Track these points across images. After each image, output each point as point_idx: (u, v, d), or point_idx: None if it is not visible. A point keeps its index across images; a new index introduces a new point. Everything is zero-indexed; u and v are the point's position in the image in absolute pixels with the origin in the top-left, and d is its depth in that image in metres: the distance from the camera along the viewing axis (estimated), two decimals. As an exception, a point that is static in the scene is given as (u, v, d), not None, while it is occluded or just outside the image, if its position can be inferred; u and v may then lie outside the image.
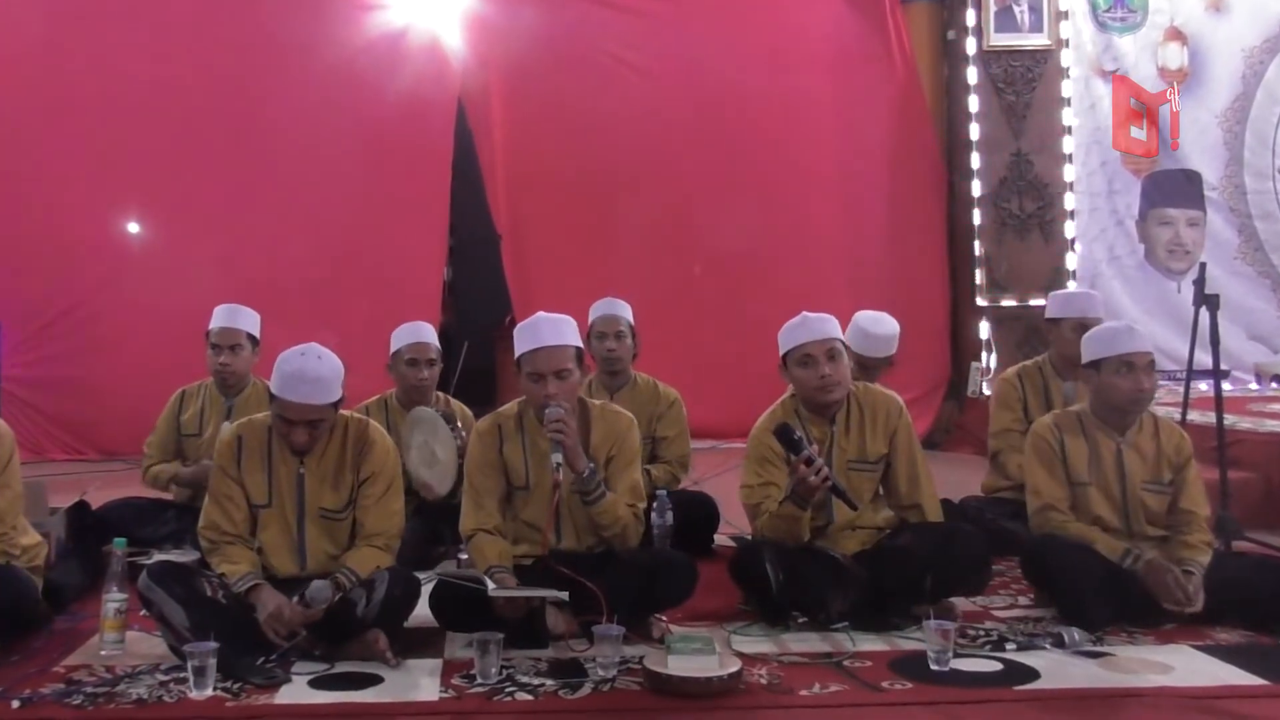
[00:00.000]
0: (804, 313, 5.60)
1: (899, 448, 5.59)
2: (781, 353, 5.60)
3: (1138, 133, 12.21)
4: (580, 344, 5.30)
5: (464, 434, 6.69)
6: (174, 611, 4.77)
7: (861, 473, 5.57)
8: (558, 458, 5.06)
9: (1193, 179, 12.43)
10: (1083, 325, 6.85)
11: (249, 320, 7.21)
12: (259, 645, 4.79)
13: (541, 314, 5.34)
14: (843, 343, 5.55)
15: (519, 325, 5.33)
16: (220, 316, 7.19)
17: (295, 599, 4.85)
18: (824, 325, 5.52)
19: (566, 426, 5.05)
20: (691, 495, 7.17)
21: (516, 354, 5.25)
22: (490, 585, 4.85)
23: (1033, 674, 4.66)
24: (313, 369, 5.01)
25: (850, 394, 5.62)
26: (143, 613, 4.98)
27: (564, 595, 4.88)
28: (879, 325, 7.00)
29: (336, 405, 5.15)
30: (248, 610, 4.90)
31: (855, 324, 6.98)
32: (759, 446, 5.57)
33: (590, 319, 7.23)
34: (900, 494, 5.62)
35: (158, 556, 6.38)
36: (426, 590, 5.20)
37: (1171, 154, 12.35)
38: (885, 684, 4.53)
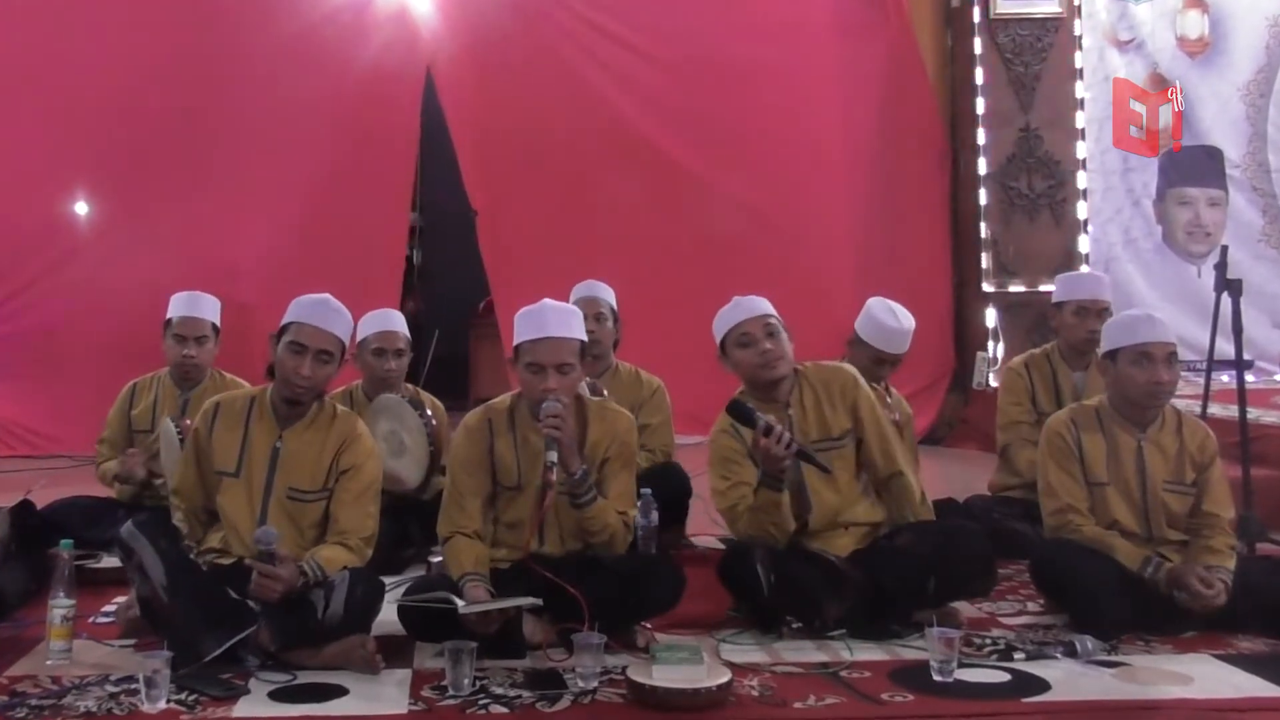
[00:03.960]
0: (735, 297, 5.73)
1: (864, 419, 5.61)
2: (719, 339, 5.68)
3: (1137, 132, 12.20)
4: (585, 338, 5.31)
5: (433, 421, 6.70)
6: (153, 563, 4.83)
7: (829, 452, 5.53)
8: (552, 455, 5.03)
9: (1214, 156, 12.43)
10: (1084, 309, 6.89)
11: (211, 309, 7.20)
12: (224, 624, 4.79)
13: (548, 301, 5.35)
14: (778, 320, 5.61)
15: (522, 311, 5.31)
16: (181, 305, 7.16)
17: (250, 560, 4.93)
18: (758, 303, 5.65)
19: (564, 423, 5.04)
20: (658, 467, 7.05)
21: (516, 340, 5.24)
22: (459, 604, 4.83)
23: (1043, 685, 4.66)
24: (332, 301, 5.33)
25: (797, 374, 5.65)
26: (92, 619, 4.97)
27: (538, 601, 4.88)
28: (897, 319, 6.73)
29: (343, 353, 5.32)
30: (224, 582, 4.98)
31: (872, 317, 6.71)
32: (719, 448, 5.62)
33: (570, 301, 7.21)
34: (877, 466, 5.63)
35: (107, 560, 6.38)
36: (393, 596, 5.21)
37: (1169, 161, 12.34)
38: (885, 695, 4.54)
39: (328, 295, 5.34)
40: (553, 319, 5.21)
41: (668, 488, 6.70)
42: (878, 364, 6.54)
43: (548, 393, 5.07)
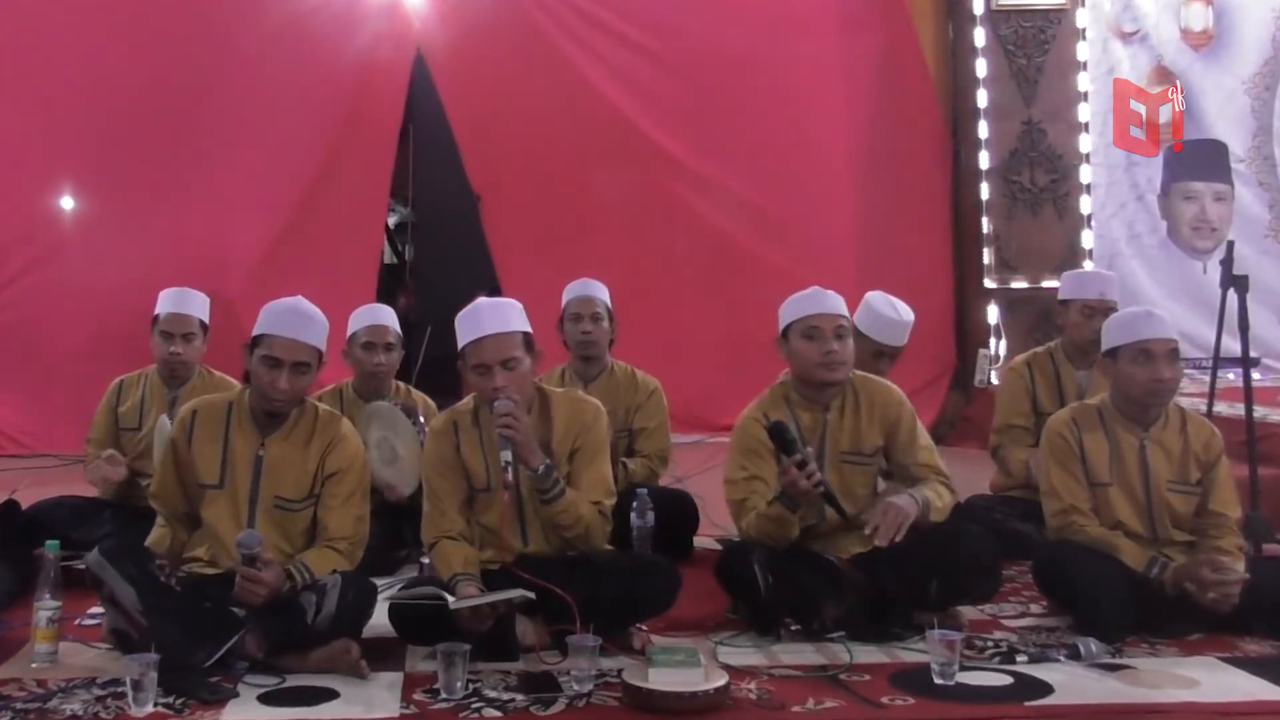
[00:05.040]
0: (815, 286, 5.66)
1: (900, 437, 5.57)
2: (784, 324, 5.61)
3: (1137, 132, 12.16)
4: (528, 329, 5.27)
5: (427, 429, 6.68)
6: (125, 592, 4.78)
7: (855, 466, 5.57)
8: (507, 455, 5.05)
9: (1219, 150, 12.42)
10: (1091, 308, 6.87)
11: (200, 305, 7.14)
12: (211, 637, 4.76)
13: (482, 299, 5.36)
14: (849, 324, 5.58)
15: (459, 315, 5.30)
16: (169, 301, 7.11)
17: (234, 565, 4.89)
18: (836, 301, 5.58)
19: (516, 421, 5.04)
20: (669, 492, 7.14)
21: (459, 345, 5.25)
22: (450, 600, 4.83)
23: (1046, 689, 4.65)
24: (305, 307, 5.21)
25: (848, 381, 5.61)
26: (79, 621, 4.96)
27: (531, 595, 4.86)
28: (896, 311, 6.80)
29: (321, 359, 5.22)
30: (200, 598, 4.95)
31: (871, 308, 6.76)
32: (745, 438, 5.57)
33: (564, 300, 7.23)
34: (904, 467, 5.59)
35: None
36: (385, 597, 5.20)
37: (1174, 155, 12.31)
38: (885, 699, 4.53)
39: (299, 299, 5.27)
40: (488, 317, 5.20)
41: (674, 524, 6.71)
42: (876, 357, 6.55)
43: (497, 391, 5.07)
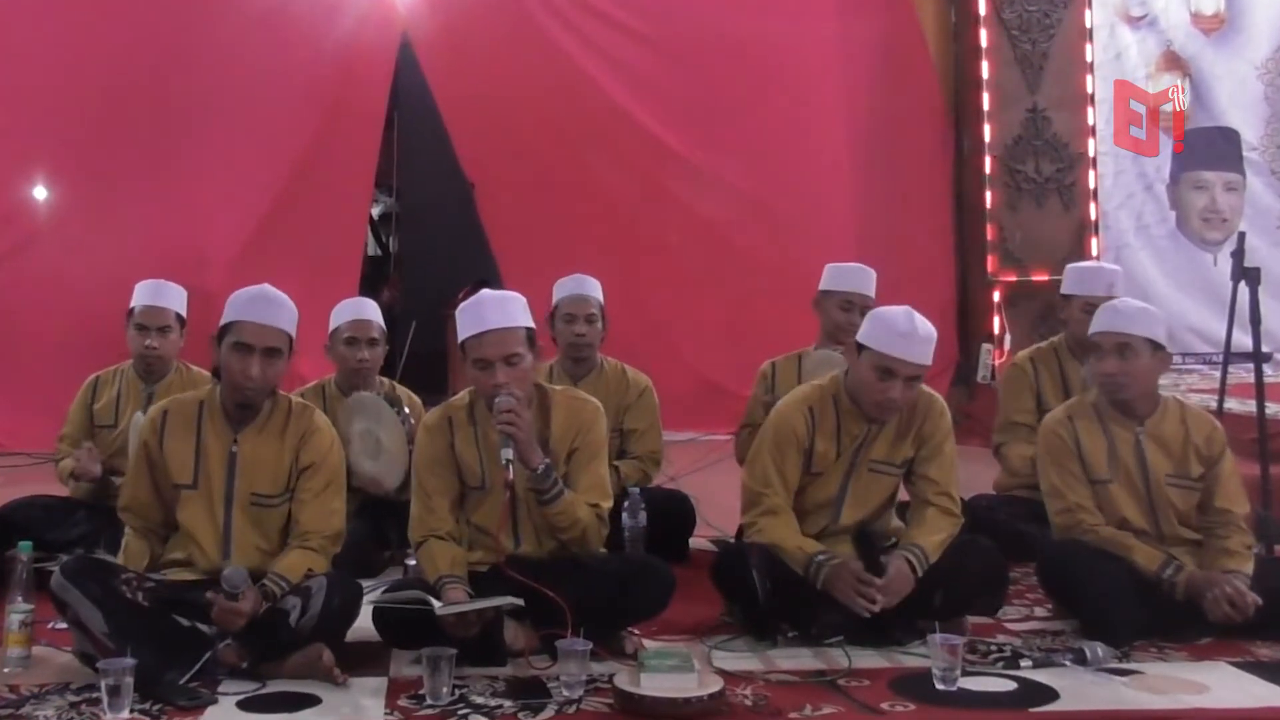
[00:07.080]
0: (912, 313, 5.43)
1: (926, 450, 5.56)
2: (863, 340, 5.44)
3: (1137, 132, 12.15)
4: (531, 324, 5.23)
5: (412, 420, 6.67)
6: (91, 615, 4.74)
7: (881, 475, 5.56)
8: (508, 453, 5.00)
9: (1230, 138, 12.41)
10: (1091, 305, 6.86)
11: (177, 298, 7.11)
12: (182, 656, 4.75)
13: (486, 292, 5.37)
14: (922, 372, 5.45)
15: (460, 306, 5.27)
16: (145, 293, 7.08)
17: (211, 593, 4.82)
18: (924, 349, 5.40)
19: (518, 418, 5.00)
20: (665, 493, 7.14)
21: (460, 339, 5.20)
22: (436, 604, 4.81)
23: (1051, 694, 4.66)
24: (273, 293, 5.20)
25: None
26: (52, 625, 4.97)
27: (519, 601, 4.86)
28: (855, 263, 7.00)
29: (291, 345, 5.19)
30: (170, 615, 4.91)
31: (828, 266, 6.98)
32: (783, 427, 5.51)
33: (555, 299, 7.18)
34: (916, 476, 5.59)
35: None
36: (370, 599, 5.20)
37: (1175, 155, 12.30)
38: (885, 705, 4.53)
39: (266, 286, 5.24)
40: (492, 310, 5.15)
41: (669, 524, 6.72)
42: (846, 309, 6.75)
43: (498, 388, 5.04)
